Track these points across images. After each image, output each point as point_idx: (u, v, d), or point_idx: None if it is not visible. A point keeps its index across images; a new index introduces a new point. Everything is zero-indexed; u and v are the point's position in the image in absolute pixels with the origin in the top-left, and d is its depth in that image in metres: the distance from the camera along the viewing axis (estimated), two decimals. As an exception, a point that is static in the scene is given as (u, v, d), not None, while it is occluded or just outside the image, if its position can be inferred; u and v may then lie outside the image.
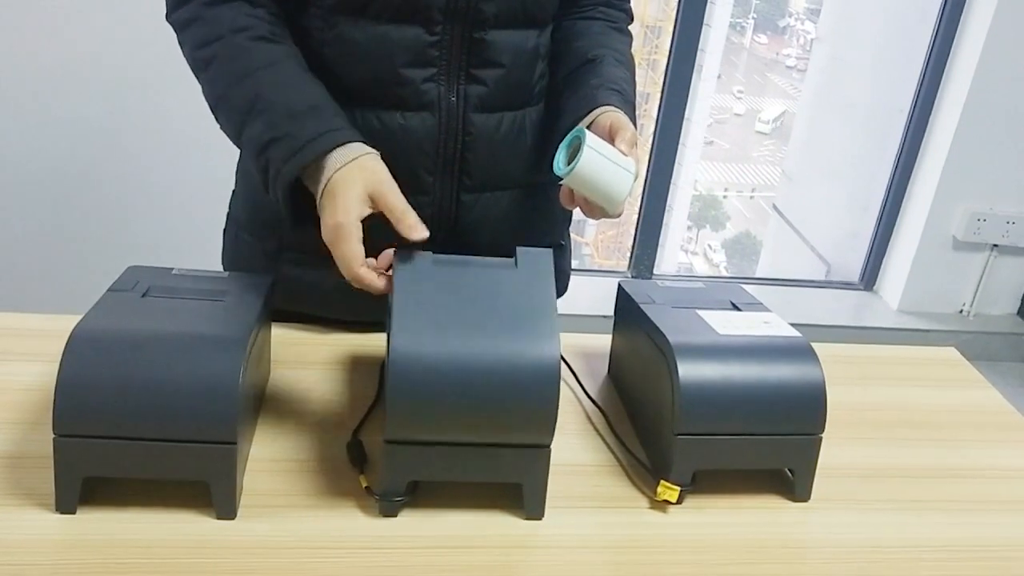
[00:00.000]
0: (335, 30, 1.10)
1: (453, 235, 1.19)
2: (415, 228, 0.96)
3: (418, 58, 1.10)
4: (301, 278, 1.19)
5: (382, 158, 1.03)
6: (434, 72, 1.11)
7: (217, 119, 1.09)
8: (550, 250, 0.98)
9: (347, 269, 0.95)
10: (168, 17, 1.11)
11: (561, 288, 1.35)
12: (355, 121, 1.10)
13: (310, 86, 1.06)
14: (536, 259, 0.97)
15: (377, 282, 0.95)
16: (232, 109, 1.05)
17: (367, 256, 0.97)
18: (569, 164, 1.00)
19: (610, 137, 1.05)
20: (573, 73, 1.19)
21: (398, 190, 0.99)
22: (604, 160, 1.00)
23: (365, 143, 1.02)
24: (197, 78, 1.09)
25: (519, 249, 0.96)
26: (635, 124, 1.13)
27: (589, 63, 1.19)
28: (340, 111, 1.05)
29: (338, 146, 1.00)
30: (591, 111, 1.11)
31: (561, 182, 1.03)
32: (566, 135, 1.04)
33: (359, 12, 1.08)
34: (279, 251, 1.21)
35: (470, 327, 0.88)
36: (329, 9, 1.09)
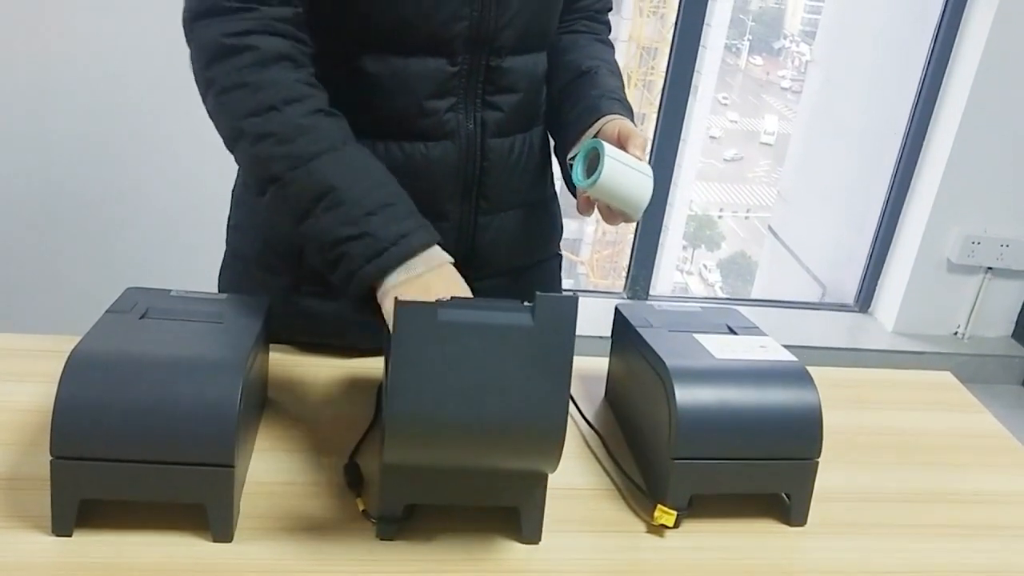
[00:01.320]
0: (359, 64, 1.09)
1: (471, 256, 1.19)
2: None
3: (440, 89, 1.10)
4: (321, 309, 1.18)
5: (407, 188, 1.02)
6: (454, 101, 1.11)
7: (262, 191, 1.02)
8: (575, 296, 0.86)
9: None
10: (204, 70, 1.02)
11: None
12: (379, 153, 1.10)
13: (380, 175, 1.02)
14: (558, 306, 0.84)
15: None
16: (294, 195, 0.99)
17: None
18: (589, 175, 1.02)
19: (621, 144, 1.07)
20: (569, 86, 1.21)
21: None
22: (625, 168, 1.02)
23: (441, 244, 0.99)
24: (231, 145, 1.02)
25: (539, 296, 0.84)
26: None
27: (584, 75, 1.20)
28: (411, 204, 1.01)
29: (421, 250, 0.97)
30: (596, 121, 1.13)
31: (586, 193, 1.04)
32: (575, 147, 1.06)
33: (384, 47, 1.08)
34: (296, 285, 1.18)
35: (475, 387, 0.83)
36: (354, 44, 1.08)
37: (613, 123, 1.11)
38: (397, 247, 0.96)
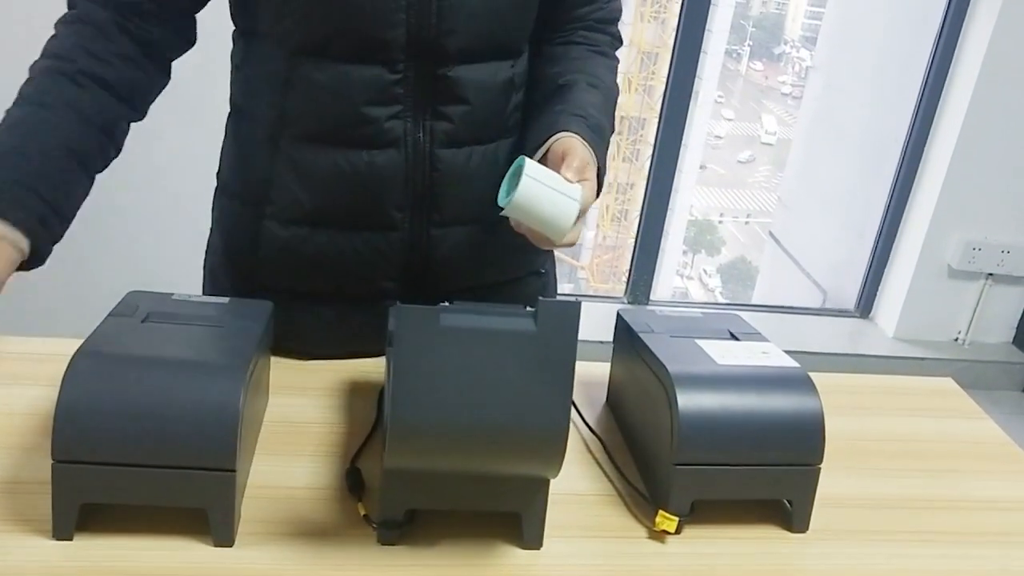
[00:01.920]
0: (298, 72, 1.09)
1: (427, 270, 1.18)
2: None
3: (381, 96, 1.09)
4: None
5: (353, 196, 1.05)
6: (399, 109, 1.10)
7: None
8: (577, 303, 0.84)
9: None
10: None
11: None
12: (322, 160, 1.10)
13: (35, 139, 1.02)
14: (560, 312, 0.83)
15: None
16: None
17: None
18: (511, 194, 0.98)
19: (558, 164, 1.03)
20: (541, 100, 1.18)
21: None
22: (545, 189, 0.97)
23: (15, 226, 0.97)
24: None
25: (541, 301, 0.83)
26: (602, 149, 1.11)
27: (559, 89, 1.17)
28: (30, 179, 1.00)
29: None
30: (549, 138, 1.09)
31: (502, 213, 1.00)
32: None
33: (320, 53, 1.07)
34: (253, 292, 1.19)
35: (476, 393, 0.83)
36: (291, 51, 1.09)
37: (560, 141, 1.07)
38: None
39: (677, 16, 2.96)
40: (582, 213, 1.02)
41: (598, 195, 1.11)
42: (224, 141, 1.25)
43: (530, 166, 0.98)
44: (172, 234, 2.58)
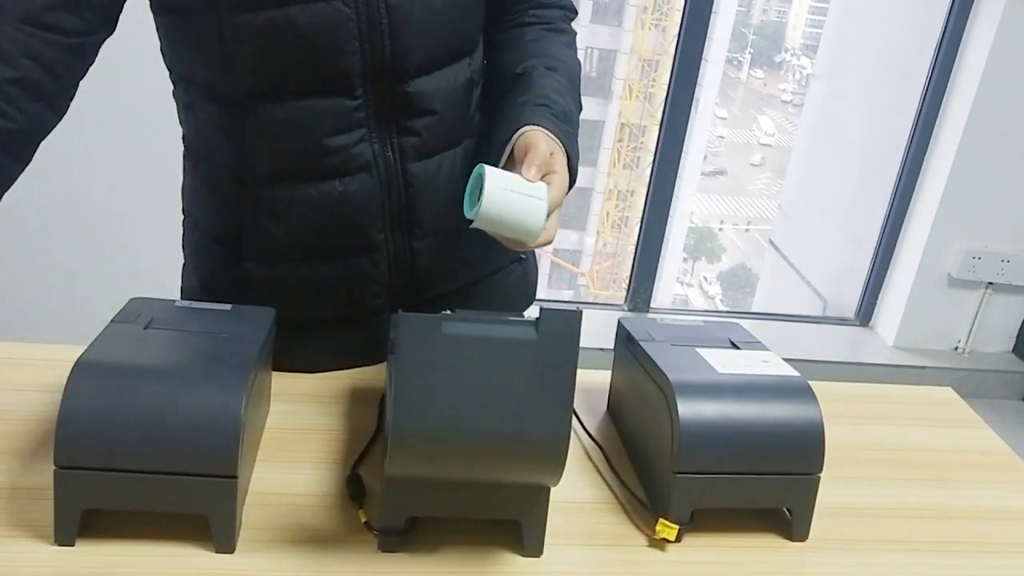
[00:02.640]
0: (254, 112, 1.07)
1: (413, 281, 1.18)
2: None
3: (343, 124, 1.07)
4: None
5: (331, 227, 1.03)
6: (363, 133, 1.08)
7: None
8: (579, 311, 0.84)
9: None
10: None
11: (524, 303, 1.33)
12: (295, 195, 1.09)
13: None
14: (562, 321, 0.83)
15: None
16: None
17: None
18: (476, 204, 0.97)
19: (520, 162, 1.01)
20: (501, 97, 1.14)
21: None
22: (509, 195, 0.96)
23: None
24: None
25: (543, 309, 0.83)
26: (571, 135, 1.08)
27: (517, 78, 1.13)
28: None
29: None
30: (513, 135, 1.06)
31: (472, 226, 1.00)
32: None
33: (276, 91, 1.05)
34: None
35: (477, 401, 0.83)
36: (249, 91, 1.06)
37: (523, 136, 1.04)
38: None
39: (678, 24, 2.97)
40: (554, 208, 1.00)
41: (572, 184, 1.08)
42: (184, 177, 1.22)
43: (490, 175, 0.97)
44: (175, 241, 2.59)
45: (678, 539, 0.95)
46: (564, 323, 0.83)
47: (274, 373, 1.13)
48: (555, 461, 0.85)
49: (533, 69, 1.14)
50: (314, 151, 1.07)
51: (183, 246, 1.27)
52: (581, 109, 1.18)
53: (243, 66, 1.05)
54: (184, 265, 1.27)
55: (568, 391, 0.83)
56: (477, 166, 0.99)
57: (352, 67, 1.04)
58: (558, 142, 1.06)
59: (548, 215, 1.00)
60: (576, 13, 1.26)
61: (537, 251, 1.34)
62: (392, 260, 1.15)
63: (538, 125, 1.06)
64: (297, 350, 1.17)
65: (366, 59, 1.04)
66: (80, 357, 0.87)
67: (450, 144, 1.14)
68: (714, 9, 2.95)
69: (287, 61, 1.03)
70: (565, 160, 1.06)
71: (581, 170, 1.13)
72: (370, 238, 1.13)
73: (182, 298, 1.27)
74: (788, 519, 0.99)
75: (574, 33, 1.25)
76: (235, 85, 1.06)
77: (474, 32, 1.15)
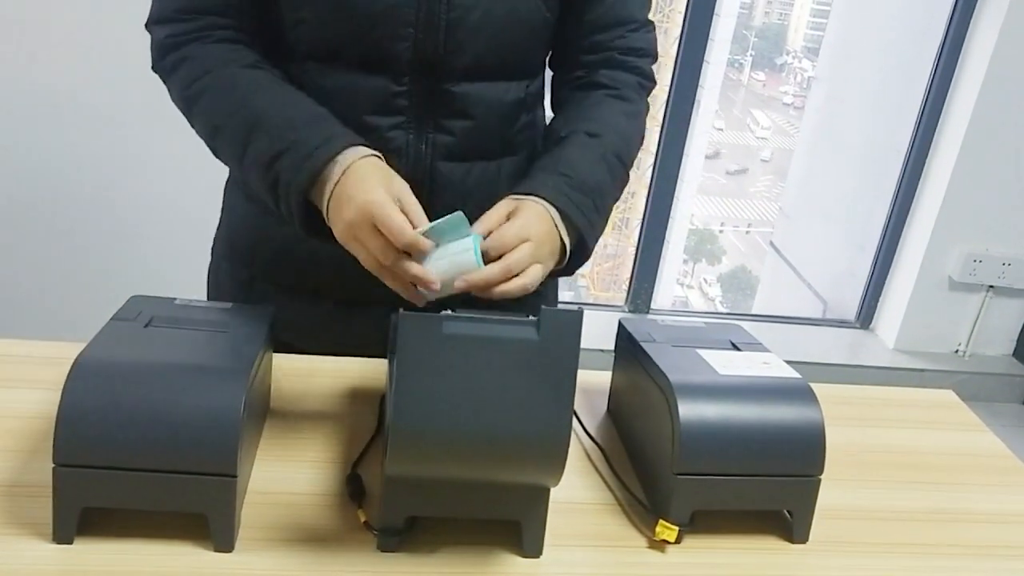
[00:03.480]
0: (305, 77, 1.10)
1: None
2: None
3: (384, 107, 1.10)
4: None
5: None
6: (402, 120, 1.11)
7: (215, 151, 1.10)
8: (580, 311, 0.84)
9: (398, 237, 0.92)
10: (155, 67, 1.12)
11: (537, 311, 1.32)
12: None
13: (306, 102, 1.06)
14: (563, 321, 0.84)
15: (426, 274, 0.94)
16: (232, 136, 1.06)
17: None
18: None
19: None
20: (540, 155, 1.15)
21: (411, 191, 0.99)
22: (439, 262, 0.96)
23: (369, 146, 1.03)
24: (189, 117, 1.10)
25: (544, 310, 0.83)
26: (586, 207, 1.07)
27: (558, 141, 1.13)
28: (338, 121, 1.05)
29: (347, 147, 1.00)
30: (509, 195, 1.06)
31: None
32: None
33: (329, 60, 1.09)
34: (251, 280, 1.24)
35: (478, 401, 0.82)
36: (302, 56, 1.10)
37: (520, 206, 1.03)
38: (323, 148, 0.99)
39: (680, 26, 2.96)
40: (506, 249, 0.98)
41: (588, 257, 1.09)
42: None
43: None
44: (175, 239, 2.59)
45: (678, 540, 0.95)
46: (565, 323, 0.83)
47: (275, 372, 1.13)
48: (555, 462, 0.84)
49: (574, 134, 1.13)
50: (352, 126, 1.08)
51: (223, 199, 1.30)
52: (621, 179, 1.16)
53: (309, 27, 1.08)
54: (220, 222, 1.31)
55: (569, 392, 0.83)
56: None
57: (403, 52, 1.07)
58: (556, 214, 1.05)
59: (496, 254, 0.98)
60: (654, 83, 1.23)
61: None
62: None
63: (537, 195, 1.05)
64: (301, 324, 1.21)
65: (418, 47, 1.07)
66: (80, 355, 0.87)
67: (485, 155, 1.16)
68: (716, 11, 2.95)
69: (342, 31, 1.07)
70: (552, 229, 1.04)
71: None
72: None
73: (212, 261, 1.32)
74: (788, 521, 0.99)
75: (644, 104, 1.22)
76: (296, 45, 1.10)
77: (534, 56, 1.18)
